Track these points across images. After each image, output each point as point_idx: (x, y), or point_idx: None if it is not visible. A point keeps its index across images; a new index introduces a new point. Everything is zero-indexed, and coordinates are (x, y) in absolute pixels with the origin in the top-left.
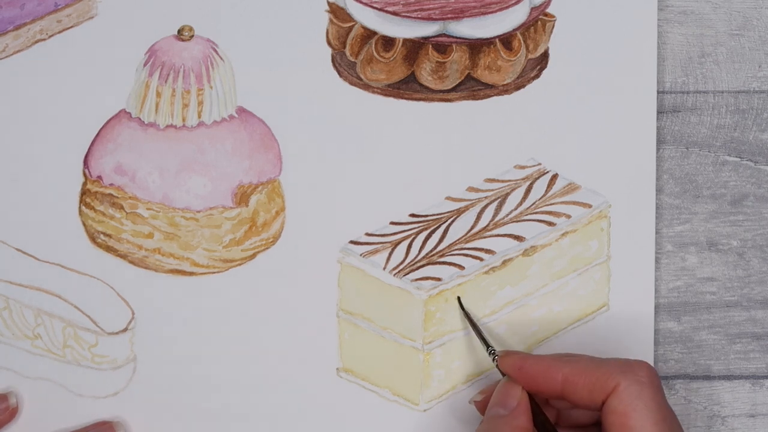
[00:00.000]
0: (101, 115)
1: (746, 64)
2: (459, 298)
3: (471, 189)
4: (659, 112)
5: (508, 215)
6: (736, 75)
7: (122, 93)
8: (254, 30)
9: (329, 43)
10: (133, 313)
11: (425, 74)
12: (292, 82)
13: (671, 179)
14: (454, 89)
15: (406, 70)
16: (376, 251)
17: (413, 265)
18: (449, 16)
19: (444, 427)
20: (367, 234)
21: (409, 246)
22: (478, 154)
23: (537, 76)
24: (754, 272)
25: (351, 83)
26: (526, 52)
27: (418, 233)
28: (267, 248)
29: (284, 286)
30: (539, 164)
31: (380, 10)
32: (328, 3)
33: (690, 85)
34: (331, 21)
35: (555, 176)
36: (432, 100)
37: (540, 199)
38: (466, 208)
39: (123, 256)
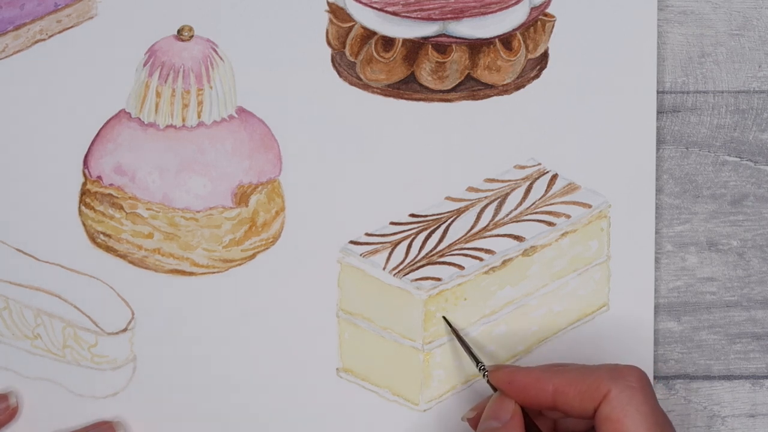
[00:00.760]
0: (101, 115)
1: (746, 64)
2: (445, 318)
3: (471, 189)
4: (659, 112)
5: (508, 215)
6: (736, 75)
7: (122, 93)
8: (254, 30)
9: (329, 43)
10: (133, 313)
11: (425, 74)
12: (292, 82)
13: (671, 179)
14: (454, 89)
15: (406, 70)
16: (376, 251)
17: (413, 265)
18: (449, 16)
19: (444, 427)
20: (367, 234)
21: (409, 246)
22: (478, 154)
23: (537, 76)
24: (754, 272)
25: (351, 83)
26: (526, 52)
27: (418, 233)
28: (267, 248)
29: (284, 286)
30: (539, 164)
31: (380, 10)
32: (328, 3)
33: (690, 85)
34: (331, 21)
35: (555, 176)
36: (432, 100)
37: (540, 199)
38: (466, 208)
39: (123, 256)
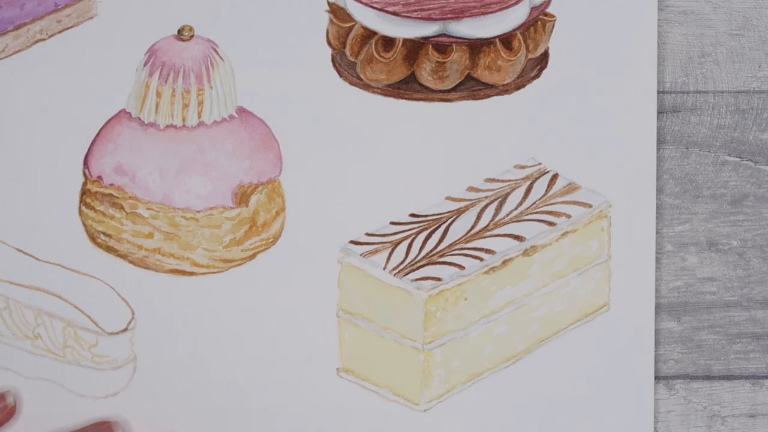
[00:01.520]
0: (101, 115)
1: (746, 64)
2: None
3: (471, 189)
4: (659, 112)
5: (508, 215)
6: (736, 75)
7: (122, 93)
8: (254, 30)
9: (329, 43)
10: (133, 313)
11: (425, 74)
12: (292, 82)
13: (671, 179)
14: (454, 89)
15: (406, 70)
16: (376, 251)
17: (413, 265)
18: (449, 16)
19: (444, 427)
20: (367, 234)
21: (409, 246)
22: (478, 154)
23: (537, 76)
24: (754, 272)
25: (351, 83)
26: (526, 52)
27: (418, 233)
28: (267, 248)
29: (284, 286)
30: (539, 164)
31: (380, 10)
32: (328, 3)
33: (690, 85)
34: (331, 21)
35: (555, 176)
36: (432, 100)
37: (540, 199)
38: (466, 208)
39: (123, 256)
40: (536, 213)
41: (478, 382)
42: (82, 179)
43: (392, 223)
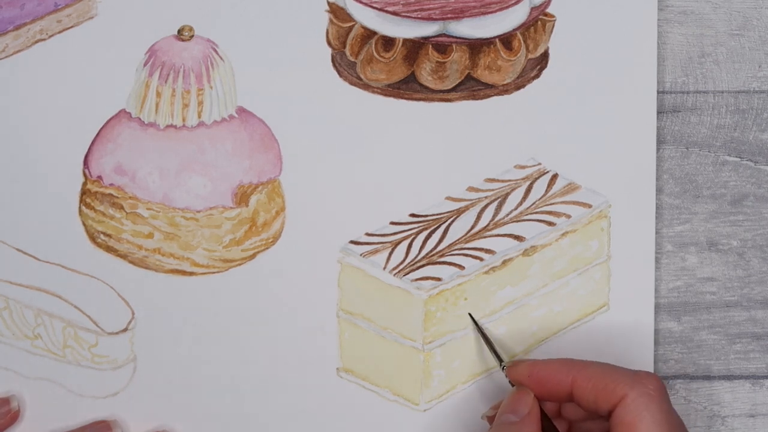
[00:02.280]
0: (101, 115)
1: (746, 64)
2: (470, 314)
3: (471, 189)
4: (659, 112)
5: (508, 215)
6: (736, 75)
7: (122, 93)
8: (254, 30)
9: (329, 43)
10: (133, 313)
11: (425, 74)
12: (292, 82)
13: (671, 179)
14: (454, 89)
15: (406, 70)
16: (376, 251)
17: (413, 265)
18: (449, 16)
19: (444, 427)
20: (367, 234)
21: (409, 246)
22: (478, 154)
23: (537, 76)
24: (754, 272)
25: (351, 83)
26: (526, 52)
27: (418, 233)
28: (267, 248)
29: (284, 286)
30: (539, 164)
31: (380, 10)
32: (328, 3)
33: (690, 85)
34: (331, 21)
35: (555, 176)
36: (432, 100)
37: (540, 199)
38: (466, 208)
39: (123, 256)
40: (536, 213)
41: (478, 382)
42: (82, 179)
43: (392, 223)
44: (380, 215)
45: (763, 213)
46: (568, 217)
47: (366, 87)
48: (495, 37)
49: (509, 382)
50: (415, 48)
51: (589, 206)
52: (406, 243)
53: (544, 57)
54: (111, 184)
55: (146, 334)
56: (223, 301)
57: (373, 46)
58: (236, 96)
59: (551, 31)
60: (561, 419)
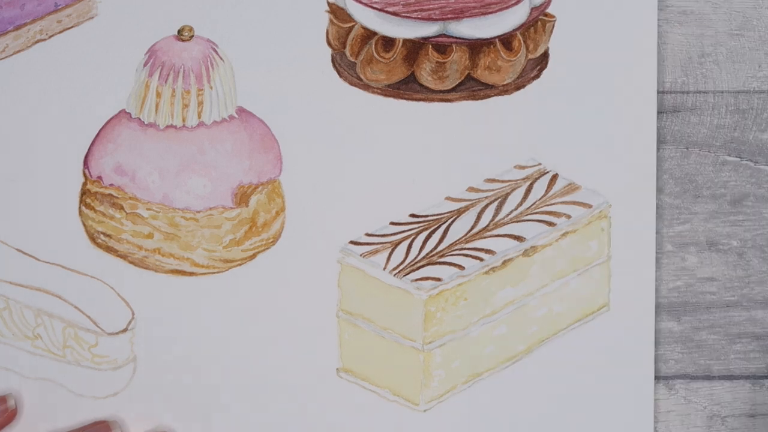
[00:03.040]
0: (101, 115)
1: (746, 64)
2: None
3: (471, 189)
4: (659, 112)
5: (508, 215)
6: (736, 75)
7: (122, 93)
8: (254, 30)
9: (329, 44)
10: (133, 313)
11: (425, 74)
12: (292, 82)
13: (671, 179)
14: (454, 89)
15: (406, 71)
16: (376, 251)
17: (413, 265)
18: (449, 16)
19: (444, 427)
20: (367, 234)
21: (409, 246)
22: (478, 154)
23: (537, 76)
24: (754, 272)
25: (351, 83)
26: (526, 52)
27: (418, 233)
28: (267, 248)
29: (284, 286)
30: (539, 164)
31: (380, 10)
32: (328, 3)
33: (690, 85)
34: (331, 21)
35: (555, 176)
36: (432, 100)
37: (540, 199)
38: (466, 208)
39: (123, 257)
40: (536, 213)
41: (478, 382)
42: (82, 179)
43: (392, 223)
44: (380, 215)
45: (763, 213)
46: (568, 217)
47: (366, 87)
48: (495, 38)
49: None
50: (415, 48)
51: (589, 206)
52: (406, 243)
53: (544, 57)
54: (111, 185)
55: (146, 334)
56: (223, 301)
57: (373, 46)
58: (236, 96)
59: (551, 32)
60: None
